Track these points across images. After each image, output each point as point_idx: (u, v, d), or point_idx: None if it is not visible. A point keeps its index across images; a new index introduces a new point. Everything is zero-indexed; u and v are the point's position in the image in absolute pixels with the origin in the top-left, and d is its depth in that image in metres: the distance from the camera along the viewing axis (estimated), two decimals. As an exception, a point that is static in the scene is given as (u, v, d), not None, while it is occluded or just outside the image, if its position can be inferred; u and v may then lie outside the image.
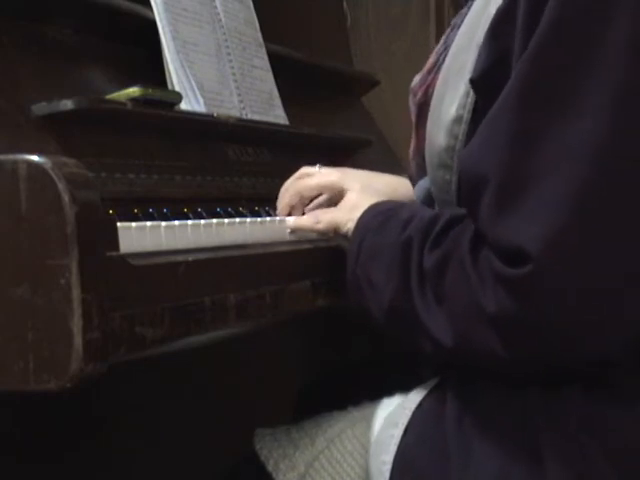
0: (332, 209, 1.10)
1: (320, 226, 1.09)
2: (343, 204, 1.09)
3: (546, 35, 0.80)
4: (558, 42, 0.80)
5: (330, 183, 1.13)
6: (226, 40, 1.34)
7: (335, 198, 1.13)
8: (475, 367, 0.91)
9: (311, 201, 1.16)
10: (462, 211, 0.90)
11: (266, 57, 1.43)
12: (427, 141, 0.97)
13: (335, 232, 1.08)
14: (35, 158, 0.72)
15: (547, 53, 0.81)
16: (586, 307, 0.79)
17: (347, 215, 1.06)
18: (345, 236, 1.05)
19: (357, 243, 0.98)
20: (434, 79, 1.01)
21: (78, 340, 0.70)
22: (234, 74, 1.34)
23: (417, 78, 1.08)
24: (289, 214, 1.15)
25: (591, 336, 0.81)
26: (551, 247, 0.78)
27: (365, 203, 1.04)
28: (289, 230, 1.11)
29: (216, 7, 1.35)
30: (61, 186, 0.71)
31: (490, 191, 0.82)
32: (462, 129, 0.91)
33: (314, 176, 1.16)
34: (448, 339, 0.86)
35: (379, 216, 0.99)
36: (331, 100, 1.72)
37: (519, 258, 0.79)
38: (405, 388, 1.04)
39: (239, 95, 1.33)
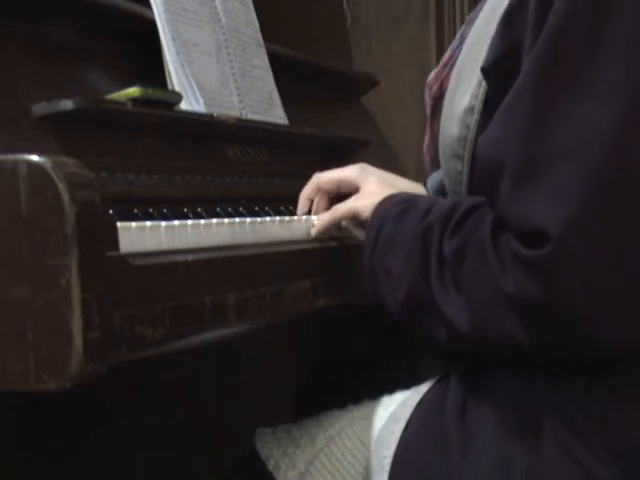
0: (351, 198, 1.09)
1: (339, 213, 1.09)
2: (362, 192, 1.09)
3: (559, 19, 0.81)
4: (572, 26, 0.81)
5: (348, 178, 1.13)
6: (226, 40, 1.34)
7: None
8: (479, 360, 0.91)
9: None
10: (482, 199, 0.90)
11: (266, 57, 1.43)
12: (440, 132, 0.98)
13: (354, 219, 1.07)
14: (35, 158, 0.72)
15: (561, 37, 0.81)
16: (607, 286, 0.79)
17: (366, 201, 1.05)
18: (363, 224, 1.05)
19: (375, 231, 0.98)
20: (449, 73, 1.02)
21: (78, 340, 0.70)
22: (234, 74, 1.34)
23: (433, 73, 1.09)
24: (309, 210, 1.15)
25: (613, 315, 0.81)
26: (570, 226, 0.78)
27: (384, 192, 1.04)
28: (312, 232, 1.11)
29: (216, 7, 1.35)
30: (61, 186, 0.71)
31: (508, 174, 0.82)
32: (474, 119, 0.92)
33: (333, 170, 1.16)
34: (466, 325, 0.86)
35: (398, 205, 0.98)
36: (331, 100, 1.72)
37: (539, 239, 0.79)
38: (405, 386, 1.04)
39: (239, 95, 1.33)
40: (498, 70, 0.88)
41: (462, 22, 2.04)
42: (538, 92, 0.82)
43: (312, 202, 1.16)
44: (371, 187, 1.08)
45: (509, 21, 0.87)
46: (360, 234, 1.06)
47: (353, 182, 1.12)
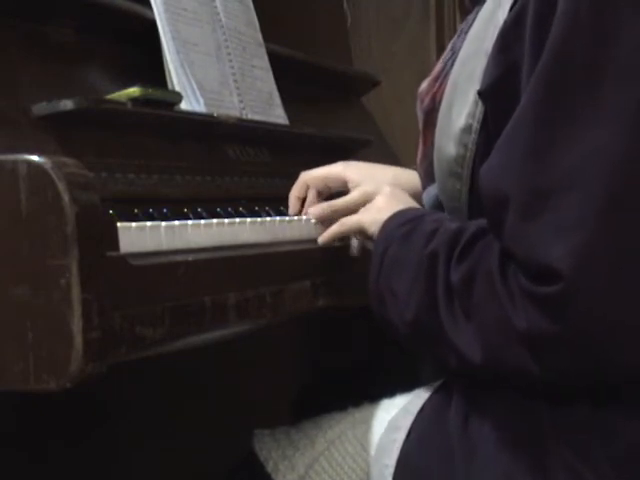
0: (360, 211, 1.08)
1: (345, 227, 1.08)
2: (370, 206, 1.07)
3: (557, 49, 0.80)
4: (569, 56, 0.80)
5: (334, 173, 1.14)
6: (226, 40, 1.34)
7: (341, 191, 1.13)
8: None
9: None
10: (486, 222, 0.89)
11: (266, 57, 1.43)
12: (436, 149, 0.96)
13: (361, 234, 1.07)
14: (35, 158, 0.72)
15: (559, 68, 0.80)
16: (622, 316, 0.78)
17: (373, 216, 1.04)
18: (370, 239, 1.04)
19: (381, 252, 0.97)
20: (441, 86, 1.00)
21: (78, 340, 0.70)
22: (234, 74, 1.34)
23: (424, 85, 1.06)
24: (301, 209, 1.17)
25: (630, 349, 0.80)
26: (580, 262, 0.77)
27: (392, 207, 1.02)
28: (320, 241, 1.10)
29: (216, 7, 1.35)
30: (61, 186, 0.71)
31: (512, 207, 0.81)
32: (472, 138, 0.90)
33: (319, 168, 1.17)
34: (477, 356, 0.85)
35: (406, 225, 0.96)
36: (331, 100, 1.72)
37: (548, 276, 0.78)
38: (405, 389, 1.03)
39: (239, 95, 1.33)
40: (495, 93, 0.87)
41: (462, 22, 2.03)
42: (538, 121, 0.80)
43: (303, 201, 1.18)
44: (380, 201, 1.06)
45: (505, 42, 0.86)
46: (370, 245, 1.05)
47: (340, 177, 1.14)
